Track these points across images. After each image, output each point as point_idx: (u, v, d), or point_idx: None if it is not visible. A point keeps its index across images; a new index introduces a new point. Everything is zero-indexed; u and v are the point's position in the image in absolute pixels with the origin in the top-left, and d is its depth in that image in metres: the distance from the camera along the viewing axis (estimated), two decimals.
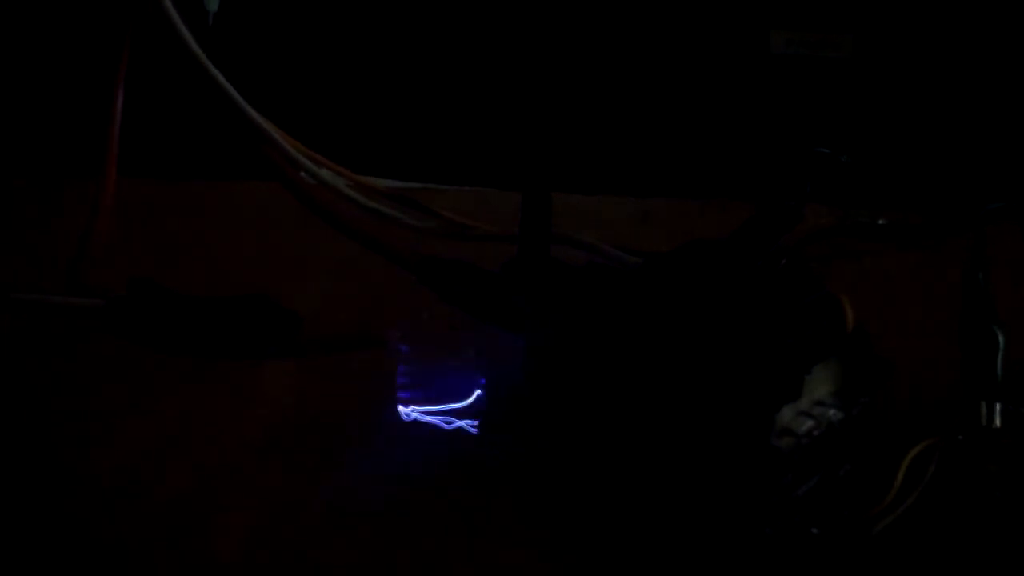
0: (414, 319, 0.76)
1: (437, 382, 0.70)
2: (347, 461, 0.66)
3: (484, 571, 0.59)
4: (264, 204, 0.91)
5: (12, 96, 1.08)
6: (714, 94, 1.11)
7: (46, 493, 0.63)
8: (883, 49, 1.10)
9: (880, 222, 0.94)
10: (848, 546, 0.59)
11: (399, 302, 0.80)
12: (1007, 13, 1.07)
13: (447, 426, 0.68)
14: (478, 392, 0.68)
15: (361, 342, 0.76)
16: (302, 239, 0.89)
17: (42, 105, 1.10)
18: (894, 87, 1.09)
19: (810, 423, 0.61)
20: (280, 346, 0.75)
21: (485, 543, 0.60)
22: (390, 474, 0.65)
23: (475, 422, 0.68)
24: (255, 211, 0.96)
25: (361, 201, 0.84)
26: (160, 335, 0.76)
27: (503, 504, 0.63)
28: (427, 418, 0.68)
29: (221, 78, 0.78)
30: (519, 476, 0.64)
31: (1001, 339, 0.65)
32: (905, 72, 1.09)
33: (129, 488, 0.64)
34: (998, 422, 0.64)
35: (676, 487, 0.61)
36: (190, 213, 0.99)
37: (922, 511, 0.60)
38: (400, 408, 0.69)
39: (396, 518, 0.62)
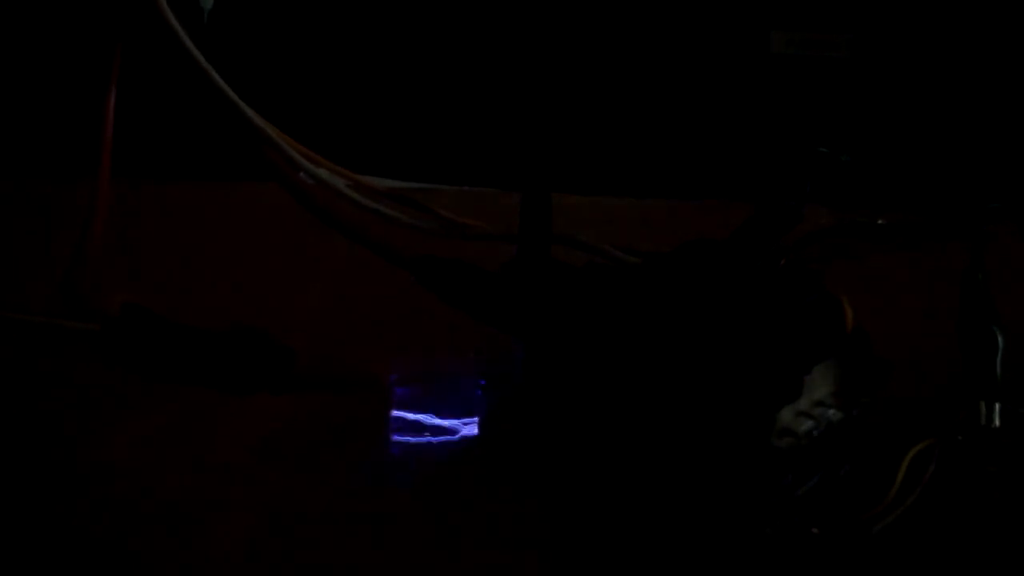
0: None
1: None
2: (346, 462, 0.66)
3: (483, 571, 0.58)
4: (262, 205, 0.91)
5: (1, 97, 1.08)
6: (714, 94, 1.11)
7: (44, 493, 0.63)
8: (883, 49, 1.10)
9: (880, 222, 0.94)
10: (848, 546, 0.59)
11: (399, 304, 0.80)
12: (1007, 13, 1.07)
13: (443, 420, 0.68)
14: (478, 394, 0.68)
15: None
16: (301, 240, 0.89)
17: (33, 106, 1.09)
18: (894, 87, 1.09)
19: (810, 423, 0.61)
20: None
21: (484, 543, 0.60)
22: (389, 474, 0.65)
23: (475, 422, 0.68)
24: (253, 212, 0.96)
25: (360, 201, 0.84)
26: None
27: (503, 504, 0.62)
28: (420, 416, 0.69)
29: (217, 77, 0.78)
30: (519, 476, 0.64)
31: (1000, 339, 0.65)
32: (905, 72, 1.09)
33: (128, 488, 0.64)
34: (998, 422, 0.64)
35: (676, 487, 0.61)
36: (187, 214, 0.98)
37: (922, 511, 0.60)
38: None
39: (395, 519, 0.62)
